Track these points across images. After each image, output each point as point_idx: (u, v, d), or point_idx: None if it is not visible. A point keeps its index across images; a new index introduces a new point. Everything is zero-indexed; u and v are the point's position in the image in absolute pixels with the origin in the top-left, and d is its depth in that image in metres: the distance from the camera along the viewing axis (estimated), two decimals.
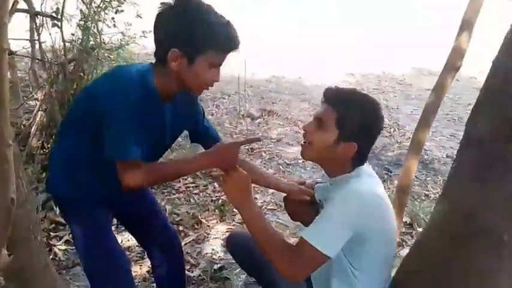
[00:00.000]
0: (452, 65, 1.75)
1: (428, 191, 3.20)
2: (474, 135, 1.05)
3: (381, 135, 1.27)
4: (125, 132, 1.21)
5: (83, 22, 3.13)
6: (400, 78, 6.81)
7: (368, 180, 1.22)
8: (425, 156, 3.75)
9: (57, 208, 2.44)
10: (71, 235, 1.57)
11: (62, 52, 3.57)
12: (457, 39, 1.75)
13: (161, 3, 1.18)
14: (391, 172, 3.47)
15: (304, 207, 1.46)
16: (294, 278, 1.18)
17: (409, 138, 4.18)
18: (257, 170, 1.60)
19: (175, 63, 1.19)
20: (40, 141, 3.42)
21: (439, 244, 1.15)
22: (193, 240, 2.43)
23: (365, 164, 1.29)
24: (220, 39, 1.17)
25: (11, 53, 4.24)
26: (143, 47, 7.03)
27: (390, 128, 4.41)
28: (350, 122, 1.21)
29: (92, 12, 3.01)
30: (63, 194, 1.44)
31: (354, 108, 1.22)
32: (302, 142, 1.31)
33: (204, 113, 1.54)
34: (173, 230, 1.78)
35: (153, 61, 1.29)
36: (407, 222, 2.63)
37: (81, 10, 3.14)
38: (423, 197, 3.08)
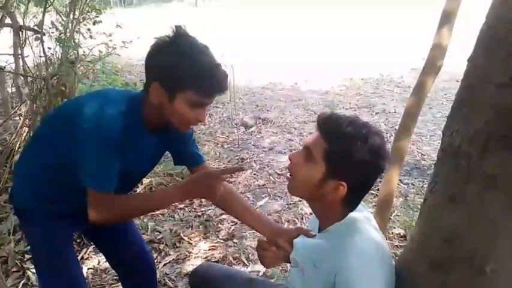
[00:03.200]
0: (432, 64, 1.59)
1: None
2: (450, 147, 0.91)
3: None
4: (104, 161, 1.15)
5: (62, 35, 3.04)
6: (399, 81, 6.67)
7: (366, 234, 1.01)
8: (423, 162, 3.59)
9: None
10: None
11: (44, 67, 3.49)
12: (437, 35, 1.59)
13: (155, 38, 1.13)
14: None
15: (276, 259, 1.28)
16: None
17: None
18: (237, 200, 1.43)
19: (155, 97, 1.14)
20: None
21: (418, 269, 1.01)
22: (173, 260, 2.30)
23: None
24: (203, 80, 1.10)
25: (0, 68, 4.19)
26: (129, 59, 6.99)
27: (387, 133, 4.26)
28: (341, 158, 0.99)
29: (70, 24, 2.92)
30: (23, 206, 1.37)
31: (348, 141, 0.99)
32: (288, 175, 1.12)
33: (192, 134, 1.45)
34: (148, 254, 1.67)
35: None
36: (401, 234, 2.48)
37: (60, 23, 3.05)
38: (419, 206, 2.91)
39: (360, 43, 9.55)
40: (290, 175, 1.11)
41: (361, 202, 1.13)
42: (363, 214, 1.07)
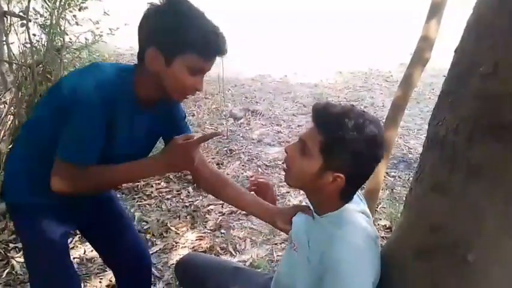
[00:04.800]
0: (420, 57, 1.60)
1: None
2: (436, 136, 0.92)
3: None
4: (81, 133, 1.10)
5: (48, 21, 2.98)
6: (387, 75, 6.71)
7: (356, 226, 1.03)
8: (410, 155, 3.63)
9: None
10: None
11: (29, 54, 3.42)
12: (425, 27, 1.60)
13: (148, 3, 1.09)
14: None
15: None
16: None
17: None
18: (232, 186, 1.40)
19: (152, 63, 1.10)
20: (9, 147, 3.25)
21: (403, 258, 1.03)
22: (160, 250, 2.29)
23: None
24: (200, 42, 1.07)
25: None
26: (116, 48, 6.88)
27: None
28: (338, 150, 0.99)
29: (55, 11, 2.86)
30: (17, 202, 1.31)
31: (345, 133, 0.97)
32: (284, 166, 1.12)
33: (185, 117, 1.40)
34: (143, 248, 1.63)
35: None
36: (387, 225, 2.51)
37: (46, 9, 2.99)
38: (405, 198, 2.94)
39: (349, 36, 9.55)
40: (286, 167, 1.11)
41: (360, 196, 1.14)
42: (359, 207, 1.08)
